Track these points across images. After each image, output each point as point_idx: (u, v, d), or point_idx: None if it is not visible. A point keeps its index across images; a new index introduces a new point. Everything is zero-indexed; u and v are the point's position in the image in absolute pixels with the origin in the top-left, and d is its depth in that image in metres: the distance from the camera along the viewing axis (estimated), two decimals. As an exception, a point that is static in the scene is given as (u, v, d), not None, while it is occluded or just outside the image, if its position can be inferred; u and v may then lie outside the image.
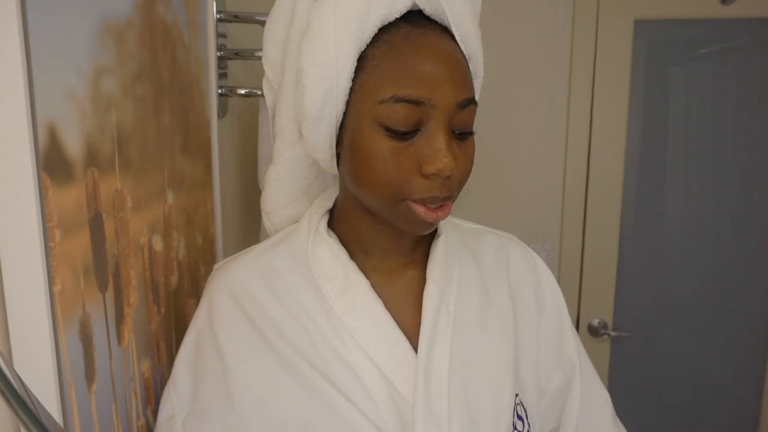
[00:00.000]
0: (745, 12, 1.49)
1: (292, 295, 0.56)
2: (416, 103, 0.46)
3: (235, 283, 0.57)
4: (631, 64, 1.55)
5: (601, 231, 1.62)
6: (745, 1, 1.48)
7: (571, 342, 0.63)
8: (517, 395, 0.57)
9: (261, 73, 0.63)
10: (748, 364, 1.65)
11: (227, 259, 0.62)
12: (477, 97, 0.53)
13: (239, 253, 0.62)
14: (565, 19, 1.53)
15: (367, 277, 0.56)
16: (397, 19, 0.49)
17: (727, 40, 1.55)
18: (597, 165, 1.59)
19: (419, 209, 0.49)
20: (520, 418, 0.56)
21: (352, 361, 0.53)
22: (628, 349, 1.66)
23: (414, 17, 0.49)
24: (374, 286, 0.56)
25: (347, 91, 0.50)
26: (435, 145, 0.47)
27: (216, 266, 0.63)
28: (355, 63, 0.49)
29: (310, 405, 0.52)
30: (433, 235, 0.61)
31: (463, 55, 0.49)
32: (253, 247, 0.62)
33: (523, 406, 0.58)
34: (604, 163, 1.59)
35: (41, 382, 0.44)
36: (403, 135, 0.48)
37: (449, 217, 0.64)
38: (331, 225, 0.61)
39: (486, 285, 0.61)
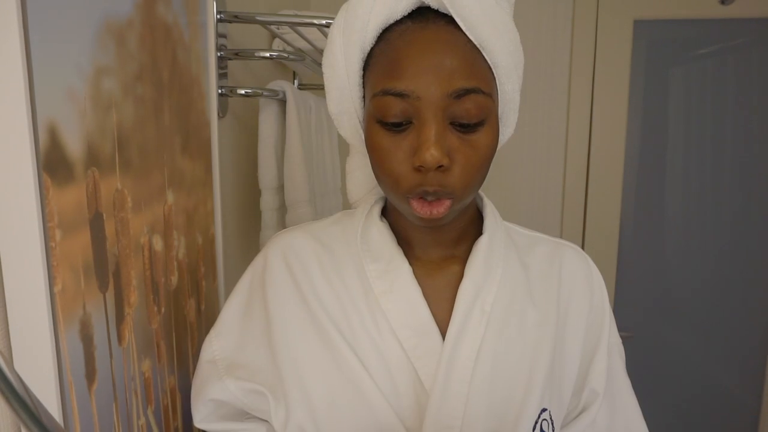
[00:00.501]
0: (745, 12, 1.49)
1: (337, 272, 0.58)
2: (401, 95, 0.47)
3: (290, 249, 0.60)
4: (630, 64, 1.55)
5: (601, 231, 1.62)
6: (744, 1, 1.48)
7: (599, 368, 0.60)
8: (546, 410, 0.55)
9: (261, 73, 0.63)
10: (748, 364, 1.65)
11: (290, 227, 0.66)
12: (511, 86, 0.51)
13: (301, 224, 0.66)
14: (565, 20, 1.53)
15: (411, 265, 0.57)
16: (404, 17, 0.49)
17: (727, 40, 1.55)
18: (597, 165, 1.60)
19: (415, 203, 0.49)
20: None
21: (382, 343, 0.54)
22: (628, 349, 1.63)
23: (421, 13, 0.49)
24: (417, 276, 0.57)
25: (359, 88, 0.53)
26: (421, 137, 0.47)
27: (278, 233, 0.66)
28: (362, 62, 0.52)
29: (337, 380, 0.54)
30: (479, 232, 0.60)
31: (473, 45, 0.48)
32: (313, 221, 0.65)
33: (551, 422, 0.55)
34: (604, 163, 1.59)
35: (41, 382, 0.44)
36: (395, 127, 0.49)
37: (503, 221, 0.63)
38: (384, 213, 0.63)
39: (532, 291, 0.59)
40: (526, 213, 1.62)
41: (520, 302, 0.58)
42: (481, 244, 0.57)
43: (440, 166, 0.47)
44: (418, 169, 0.48)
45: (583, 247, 1.63)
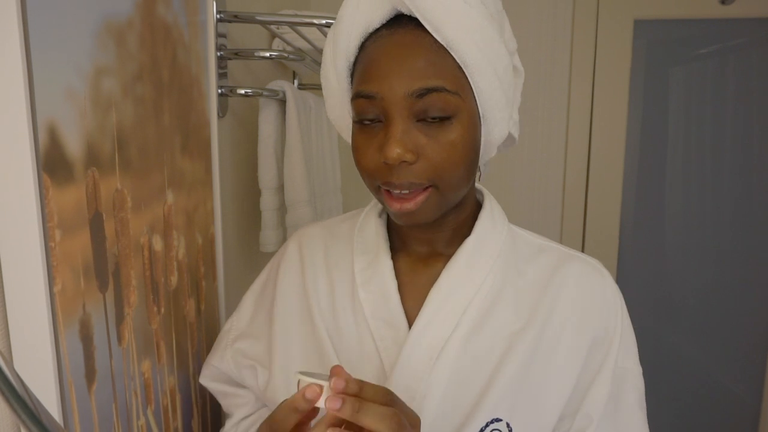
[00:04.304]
0: (745, 12, 1.49)
1: (336, 262, 0.64)
2: (368, 96, 0.50)
3: (305, 240, 0.67)
4: (631, 64, 1.55)
5: (601, 231, 1.62)
6: (745, 1, 1.48)
7: (598, 392, 0.56)
8: (499, 420, 0.53)
9: (261, 73, 0.64)
10: (748, 364, 1.65)
11: (312, 222, 0.73)
12: (487, 84, 0.50)
13: (323, 219, 0.73)
14: (565, 20, 1.53)
15: (397, 260, 0.61)
16: (382, 25, 0.52)
17: (727, 40, 1.55)
18: (597, 165, 1.60)
19: (387, 199, 0.52)
20: None
21: (358, 333, 0.59)
22: (628, 349, 1.65)
23: (397, 20, 0.51)
24: (401, 270, 0.60)
25: (348, 95, 0.55)
26: (387, 135, 0.50)
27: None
28: (348, 70, 0.54)
29: (314, 361, 0.59)
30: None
31: (440, 46, 0.49)
32: (333, 217, 0.72)
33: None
34: (604, 163, 1.59)
35: (41, 382, 0.44)
36: (368, 126, 0.52)
37: (508, 224, 0.62)
38: None
39: (519, 299, 0.58)
40: (526, 213, 1.62)
41: (500, 308, 0.57)
42: (467, 246, 0.58)
43: (405, 161, 0.49)
44: (387, 165, 0.50)
45: (583, 248, 1.63)
